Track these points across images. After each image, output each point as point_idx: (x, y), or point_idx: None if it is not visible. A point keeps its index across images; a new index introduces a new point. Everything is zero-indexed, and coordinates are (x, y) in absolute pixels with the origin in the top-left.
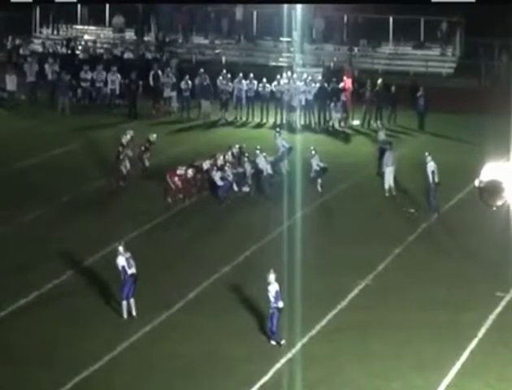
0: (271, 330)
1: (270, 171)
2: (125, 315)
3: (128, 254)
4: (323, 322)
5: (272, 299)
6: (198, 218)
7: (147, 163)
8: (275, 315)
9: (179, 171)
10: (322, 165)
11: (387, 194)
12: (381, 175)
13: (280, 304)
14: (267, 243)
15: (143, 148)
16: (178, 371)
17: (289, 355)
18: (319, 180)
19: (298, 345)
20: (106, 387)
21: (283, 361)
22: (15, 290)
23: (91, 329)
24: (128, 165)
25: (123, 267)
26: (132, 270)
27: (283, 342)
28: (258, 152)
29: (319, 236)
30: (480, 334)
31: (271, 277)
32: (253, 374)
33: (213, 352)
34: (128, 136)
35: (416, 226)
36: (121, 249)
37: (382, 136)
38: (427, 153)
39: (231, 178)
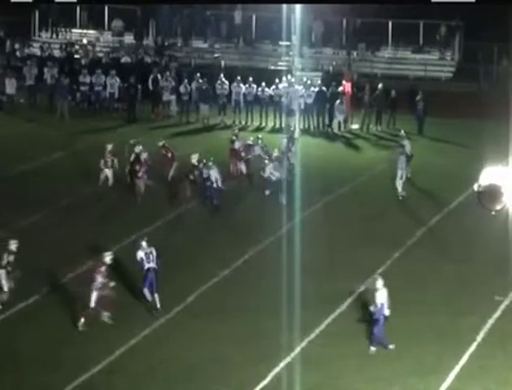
0: (376, 336)
1: (220, 185)
2: (150, 299)
3: (150, 249)
4: (323, 325)
5: (379, 306)
6: (197, 222)
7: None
8: (380, 322)
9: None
10: (277, 175)
11: (400, 197)
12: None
13: (387, 311)
14: (267, 246)
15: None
16: (177, 375)
17: (288, 359)
18: (282, 195)
19: (297, 349)
20: None
21: (282, 365)
22: (14, 294)
23: (90, 333)
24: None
25: (142, 260)
26: (149, 265)
27: (391, 347)
28: (210, 164)
29: (319, 239)
30: (479, 338)
31: (379, 283)
32: (252, 378)
33: (212, 355)
34: (146, 155)
35: (415, 230)
36: (144, 243)
37: (408, 145)
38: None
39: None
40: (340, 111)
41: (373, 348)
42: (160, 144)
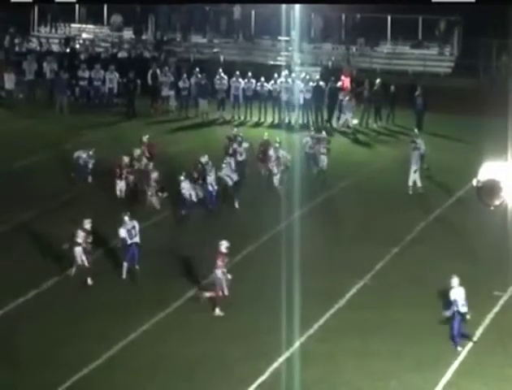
0: (457, 333)
1: (194, 199)
2: (124, 275)
3: (132, 224)
4: (321, 321)
5: (454, 304)
6: (196, 218)
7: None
8: (457, 320)
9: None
10: (235, 179)
11: (410, 192)
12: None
13: (463, 308)
14: (266, 242)
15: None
16: (176, 371)
17: (287, 354)
18: (236, 199)
19: (296, 344)
20: (104, 386)
21: (281, 360)
22: (14, 289)
23: (90, 328)
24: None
25: (125, 237)
26: (132, 240)
27: (459, 349)
28: (182, 177)
29: (318, 235)
30: (478, 333)
31: (455, 281)
32: (252, 374)
33: (211, 351)
34: (156, 174)
35: (414, 225)
36: (126, 218)
37: (422, 145)
38: None
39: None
40: (349, 109)
41: (460, 348)
42: (144, 139)
